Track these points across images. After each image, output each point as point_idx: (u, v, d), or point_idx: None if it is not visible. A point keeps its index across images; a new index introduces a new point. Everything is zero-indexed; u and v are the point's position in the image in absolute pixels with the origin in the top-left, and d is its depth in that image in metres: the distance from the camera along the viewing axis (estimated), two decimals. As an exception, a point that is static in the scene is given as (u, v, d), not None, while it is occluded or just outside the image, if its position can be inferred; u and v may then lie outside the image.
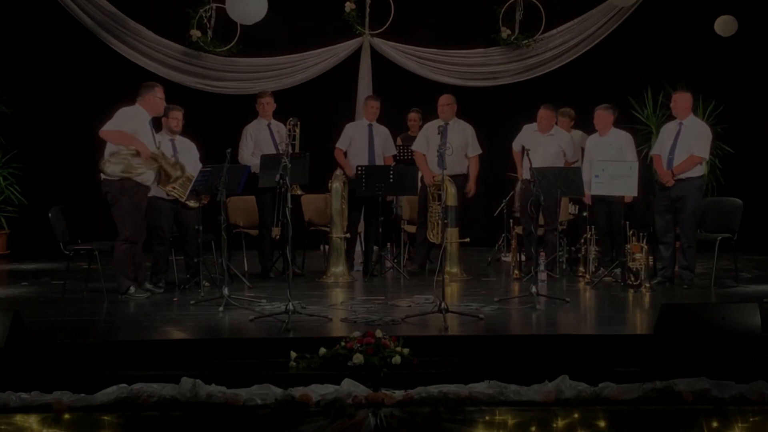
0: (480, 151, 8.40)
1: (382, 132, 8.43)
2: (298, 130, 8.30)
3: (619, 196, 7.50)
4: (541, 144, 7.96)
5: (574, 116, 8.89)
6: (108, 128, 6.83)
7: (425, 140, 8.35)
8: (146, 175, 6.82)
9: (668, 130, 7.50)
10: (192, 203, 7.18)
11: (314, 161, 8.03)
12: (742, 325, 5.21)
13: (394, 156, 8.56)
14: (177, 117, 7.53)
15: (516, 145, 8.29)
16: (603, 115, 7.93)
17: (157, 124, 7.47)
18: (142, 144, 6.76)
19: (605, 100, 10.15)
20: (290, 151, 6.44)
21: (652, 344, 5.24)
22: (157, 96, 7.09)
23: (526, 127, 8.30)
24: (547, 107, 8.15)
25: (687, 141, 7.30)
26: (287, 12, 10.02)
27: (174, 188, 7.07)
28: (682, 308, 5.49)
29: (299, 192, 8.15)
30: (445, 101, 8.34)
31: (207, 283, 7.17)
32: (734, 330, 5.21)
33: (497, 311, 6.28)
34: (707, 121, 9.85)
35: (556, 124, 8.43)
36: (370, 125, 8.37)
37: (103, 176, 6.83)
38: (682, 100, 7.45)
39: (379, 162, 8.28)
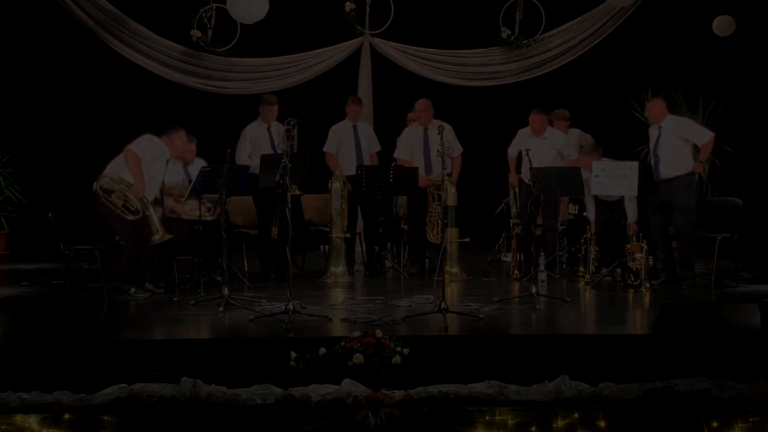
0: (461, 150, 8.41)
1: (366, 130, 8.47)
2: (296, 131, 8.30)
3: (623, 214, 7.57)
4: (536, 147, 7.92)
5: (569, 116, 8.87)
6: (132, 148, 6.90)
7: (408, 147, 8.35)
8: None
9: (652, 133, 7.60)
10: (206, 215, 7.22)
11: (314, 161, 8.03)
12: (742, 325, 5.21)
13: (378, 153, 8.56)
14: (191, 149, 7.55)
15: (512, 150, 8.33)
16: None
17: None
18: (141, 182, 6.83)
19: (605, 99, 10.22)
20: (290, 151, 6.44)
21: (652, 344, 5.24)
22: (181, 138, 7.23)
23: (520, 131, 8.30)
24: (537, 111, 8.15)
25: (670, 139, 7.35)
26: (287, 12, 10.01)
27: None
28: (682, 308, 5.49)
29: (297, 192, 8.15)
30: (423, 107, 8.28)
31: (219, 278, 7.17)
32: (734, 330, 5.21)
33: (497, 311, 6.27)
34: (707, 121, 9.87)
35: (552, 126, 8.45)
36: (354, 126, 8.37)
37: (95, 189, 6.87)
38: (654, 108, 7.53)
39: (366, 161, 8.29)
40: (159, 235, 6.85)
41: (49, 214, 7.01)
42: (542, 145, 8.04)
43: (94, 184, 6.91)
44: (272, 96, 8.30)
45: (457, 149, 8.37)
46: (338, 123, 8.54)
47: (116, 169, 6.91)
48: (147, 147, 6.96)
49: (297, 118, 8.12)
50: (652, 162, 7.45)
